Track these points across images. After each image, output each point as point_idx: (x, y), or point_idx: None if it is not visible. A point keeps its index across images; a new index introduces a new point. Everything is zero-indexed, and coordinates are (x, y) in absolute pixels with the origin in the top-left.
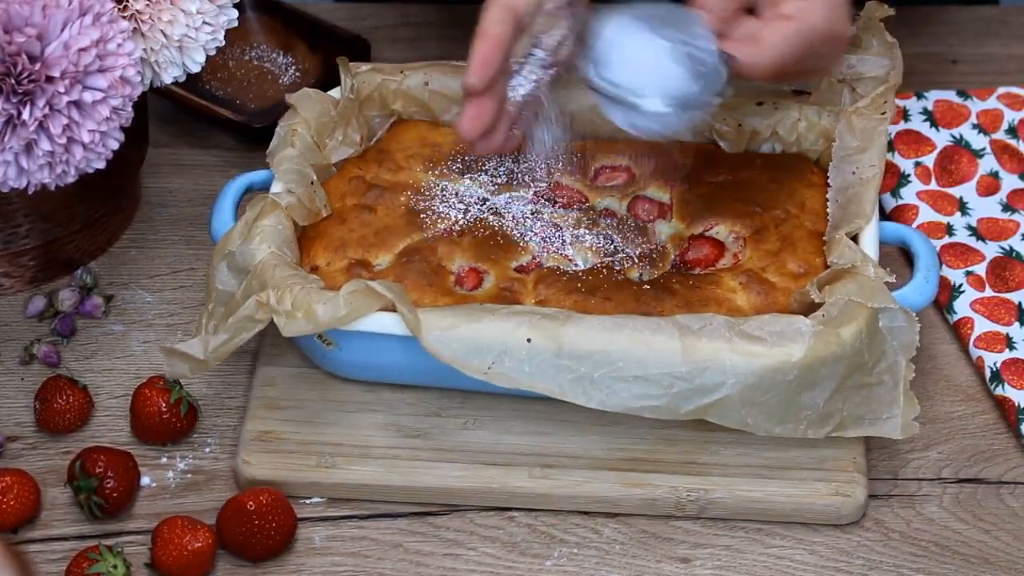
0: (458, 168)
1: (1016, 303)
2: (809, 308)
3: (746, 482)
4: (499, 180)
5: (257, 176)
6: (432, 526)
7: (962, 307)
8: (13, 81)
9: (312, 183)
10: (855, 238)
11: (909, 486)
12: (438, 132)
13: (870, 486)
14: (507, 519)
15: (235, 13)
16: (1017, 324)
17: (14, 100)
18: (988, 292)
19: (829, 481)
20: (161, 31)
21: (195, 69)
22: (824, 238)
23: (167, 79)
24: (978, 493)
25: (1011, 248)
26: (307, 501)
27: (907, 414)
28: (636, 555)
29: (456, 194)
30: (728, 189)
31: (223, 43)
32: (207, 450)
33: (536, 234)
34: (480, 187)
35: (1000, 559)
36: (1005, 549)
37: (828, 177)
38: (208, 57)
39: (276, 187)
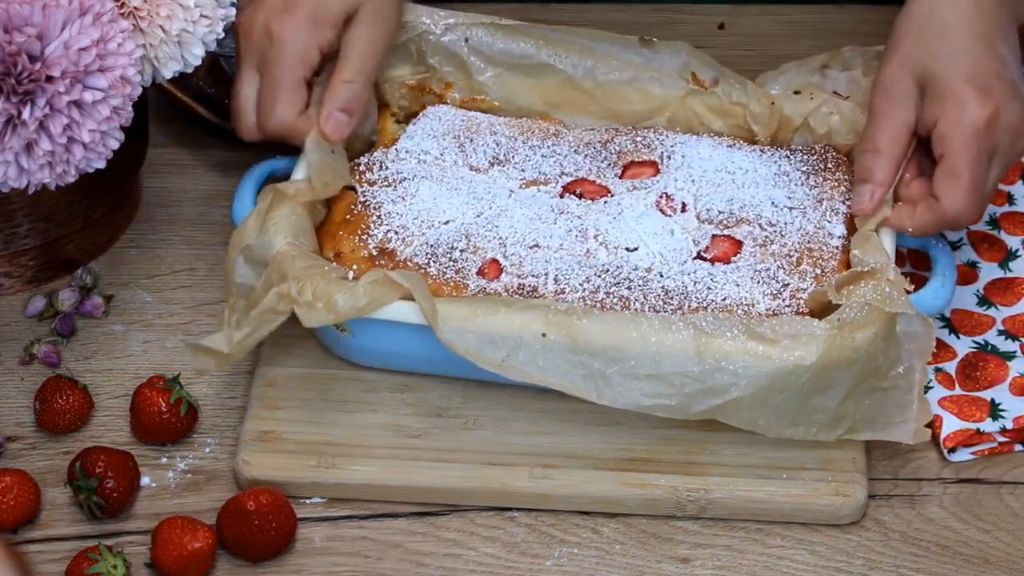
0: (487, 160)
1: (988, 400)
2: (825, 308)
3: (746, 482)
4: (526, 173)
5: (278, 163)
6: (432, 526)
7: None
8: (13, 81)
9: (333, 152)
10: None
11: (909, 486)
12: (471, 121)
13: (870, 486)
14: (507, 519)
15: (232, 9)
16: (989, 420)
17: (14, 100)
18: (957, 390)
19: (829, 481)
20: (160, 26)
21: (195, 63)
22: (843, 240)
23: (167, 74)
24: (978, 493)
25: (986, 342)
26: (307, 501)
27: (920, 419)
28: (636, 555)
29: (483, 185)
30: (748, 187)
31: (222, 36)
32: (207, 450)
33: (559, 227)
34: (507, 179)
35: (1000, 559)
36: (1005, 549)
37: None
38: (207, 52)
39: (298, 172)
